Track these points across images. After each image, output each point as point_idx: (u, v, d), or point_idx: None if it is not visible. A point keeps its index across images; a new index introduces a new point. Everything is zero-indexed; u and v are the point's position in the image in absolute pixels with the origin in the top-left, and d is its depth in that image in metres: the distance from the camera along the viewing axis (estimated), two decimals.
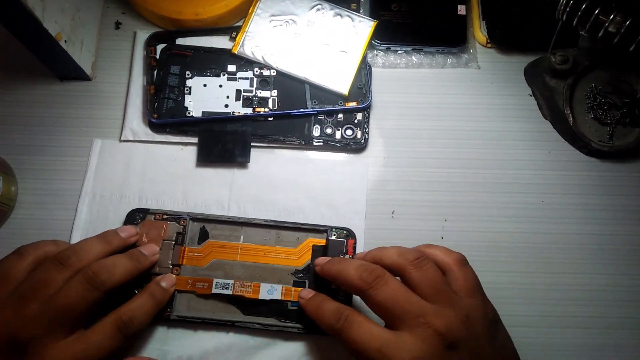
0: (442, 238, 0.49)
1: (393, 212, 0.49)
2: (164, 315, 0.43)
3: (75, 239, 0.46)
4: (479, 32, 0.55)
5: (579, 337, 0.46)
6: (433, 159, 0.51)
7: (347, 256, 0.46)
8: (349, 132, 0.51)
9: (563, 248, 0.49)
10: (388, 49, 0.54)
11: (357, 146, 0.50)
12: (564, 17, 0.46)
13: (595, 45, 0.50)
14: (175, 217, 0.46)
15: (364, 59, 0.52)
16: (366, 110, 0.51)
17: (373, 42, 0.54)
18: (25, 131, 0.50)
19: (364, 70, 0.52)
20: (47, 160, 0.49)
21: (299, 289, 0.45)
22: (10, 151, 0.49)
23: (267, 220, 0.47)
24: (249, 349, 0.44)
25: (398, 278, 0.38)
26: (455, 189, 0.50)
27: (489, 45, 0.55)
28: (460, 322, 0.36)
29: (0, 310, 0.36)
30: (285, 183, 0.49)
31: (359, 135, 0.51)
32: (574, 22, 0.45)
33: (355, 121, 0.51)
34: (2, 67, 0.52)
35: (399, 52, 0.54)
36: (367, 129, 0.51)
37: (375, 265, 0.39)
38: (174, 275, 0.44)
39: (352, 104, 0.51)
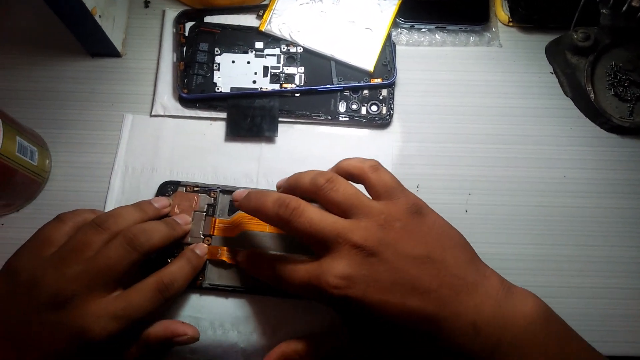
0: (466, 211, 0.50)
1: (418, 186, 0.50)
2: (197, 284, 0.44)
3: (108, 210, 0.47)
4: (501, 11, 0.56)
5: (599, 307, 0.47)
6: (456, 134, 0.52)
7: None
8: (374, 108, 0.52)
9: (584, 221, 0.50)
10: (412, 27, 0.55)
11: (382, 122, 0.51)
12: None
13: (617, 23, 0.51)
14: (206, 189, 0.47)
15: (388, 37, 0.53)
16: (391, 86, 0.52)
17: (397, 20, 0.54)
18: (58, 106, 0.51)
19: (389, 47, 0.53)
20: (79, 134, 0.51)
21: None
22: (44, 125, 0.50)
23: None
24: (279, 315, 0.45)
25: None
26: (479, 164, 0.51)
27: (511, 23, 0.56)
28: (378, 227, 0.37)
29: (42, 271, 0.37)
30: (312, 157, 0.50)
31: (384, 111, 0.52)
32: None
33: (380, 97, 0.52)
34: (36, 44, 0.53)
35: (423, 30, 0.55)
36: (392, 105, 0.52)
37: (291, 197, 0.39)
38: (206, 245, 0.45)
39: (377, 81, 0.52)
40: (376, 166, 0.40)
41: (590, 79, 0.52)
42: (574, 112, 0.53)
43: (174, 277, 0.40)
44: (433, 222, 0.38)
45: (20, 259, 0.39)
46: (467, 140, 0.52)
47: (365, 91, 0.52)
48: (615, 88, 0.52)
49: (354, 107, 0.51)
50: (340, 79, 0.52)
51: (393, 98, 0.52)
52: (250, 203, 0.41)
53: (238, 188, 0.47)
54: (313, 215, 0.38)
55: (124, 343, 0.40)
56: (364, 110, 0.51)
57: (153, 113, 0.51)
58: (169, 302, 0.40)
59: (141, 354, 0.40)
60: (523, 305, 0.36)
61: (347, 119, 0.51)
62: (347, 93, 0.52)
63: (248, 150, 0.50)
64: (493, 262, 0.38)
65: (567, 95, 0.54)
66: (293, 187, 0.41)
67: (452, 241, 0.38)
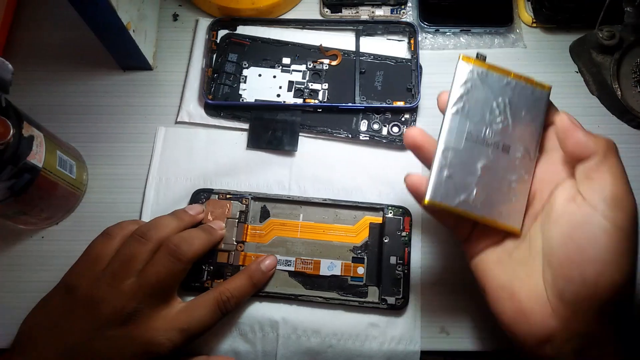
0: None
1: None
2: None
3: (145, 220, 0.48)
4: (524, 12, 0.56)
5: None
6: None
7: (403, 233, 0.47)
8: (395, 129, 0.51)
9: None
10: (437, 31, 0.56)
11: (402, 144, 0.50)
12: None
13: None
14: (238, 196, 0.48)
15: (415, 61, 0.53)
16: (414, 111, 0.52)
17: (422, 24, 0.55)
18: (93, 120, 0.52)
19: (415, 71, 0.53)
20: (114, 147, 0.52)
21: (358, 264, 0.47)
22: (80, 139, 0.51)
23: (325, 200, 0.48)
24: (315, 320, 0.46)
25: None
26: None
27: (535, 24, 0.56)
28: None
29: (96, 288, 0.39)
30: (342, 163, 0.51)
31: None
32: None
33: (402, 119, 0.52)
34: (69, 60, 0.55)
35: (447, 33, 0.56)
36: None
37: None
38: (276, 257, 0.46)
39: (400, 103, 0.52)
40: None
41: (617, 77, 0.52)
42: (600, 110, 0.54)
43: (232, 294, 0.42)
44: None
45: (75, 276, 0.41)
46: None
47: (388, 112, 0.52)
48: None
49: (376, 127, 0.51)
50: (363, 98, 0.52)
51: (415, 121, 0.52)
52: None
53: (269, 195, 0.49)
54: None
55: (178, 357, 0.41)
56: (385, 131, 0.51)
57: (178, 119, 0.52)
58: (226, 316, 0.43)
59: None
60: None
61: (368, 138, 0.51)
62: (369, 112, 0.52)
63: (280, 158, 0.51)
64: None
65: (593, 94, 0.54)
66: None
67: None
